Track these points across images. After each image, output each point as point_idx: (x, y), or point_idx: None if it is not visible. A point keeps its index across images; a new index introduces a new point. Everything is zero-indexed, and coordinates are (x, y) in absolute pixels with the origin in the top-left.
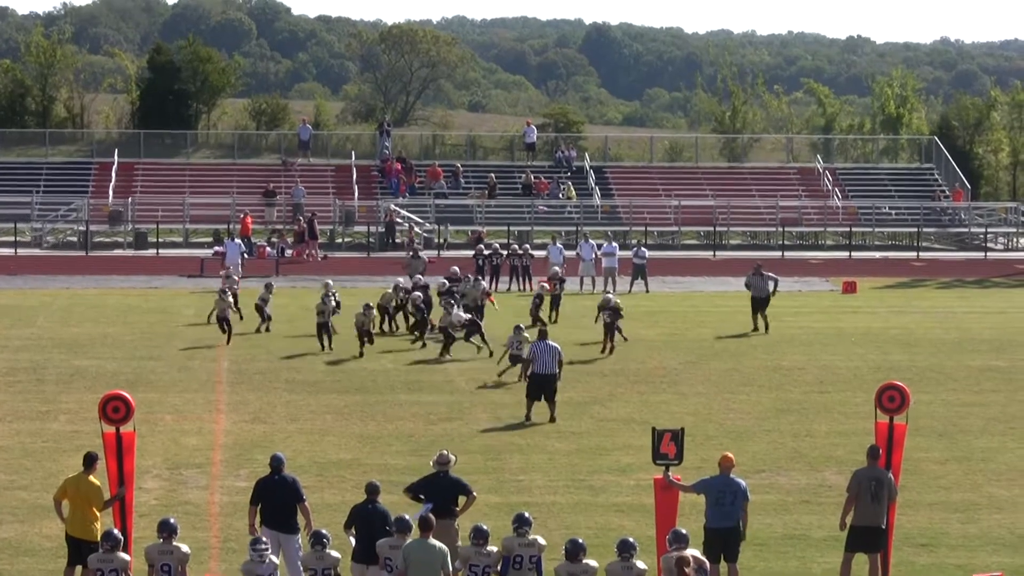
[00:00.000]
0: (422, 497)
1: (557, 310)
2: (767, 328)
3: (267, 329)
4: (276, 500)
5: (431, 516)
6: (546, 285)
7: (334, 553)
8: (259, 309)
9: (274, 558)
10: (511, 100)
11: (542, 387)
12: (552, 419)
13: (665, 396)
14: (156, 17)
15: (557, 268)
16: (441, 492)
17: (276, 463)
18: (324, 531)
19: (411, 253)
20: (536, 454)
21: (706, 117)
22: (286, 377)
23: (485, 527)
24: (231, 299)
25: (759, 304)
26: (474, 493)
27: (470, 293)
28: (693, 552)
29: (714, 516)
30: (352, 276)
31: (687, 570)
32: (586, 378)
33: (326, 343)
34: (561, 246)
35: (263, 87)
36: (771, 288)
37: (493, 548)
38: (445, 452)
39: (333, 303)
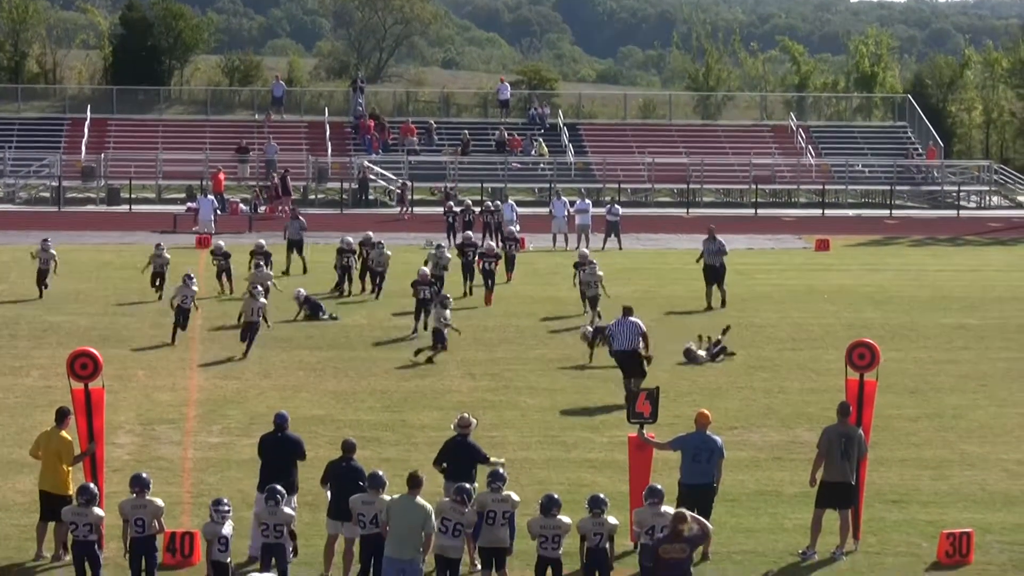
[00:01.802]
0: (445, 465)
1: (511, 271)
2: (724, 302)
3: (159, 298)
4: (276, 458)
5: (420, 474)
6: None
7: (287, 510)
8: (158, 276)
9: (231, 523)
10: (485, 57)
11: (623, 364)
12: None
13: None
14: None
15: (513, 228)
16: (460, 456)
17: (280, 421)
18: (279, 487)
19: (290, 214)
20: (509, 410)
21: (680, 75)
22: (259, 333)
23: (469, 487)
24: (195, 289)
25: (713, 275)
26: (491, 460)
27: (435, 259)
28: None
29: (689, 472)
30: (325, 232)
31: (681, 526)
32: (560, 335)
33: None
34: (513, 203)
35: (236, 44)
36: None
37: (468, 509)
38: (466, 415)
39: (262, 301)
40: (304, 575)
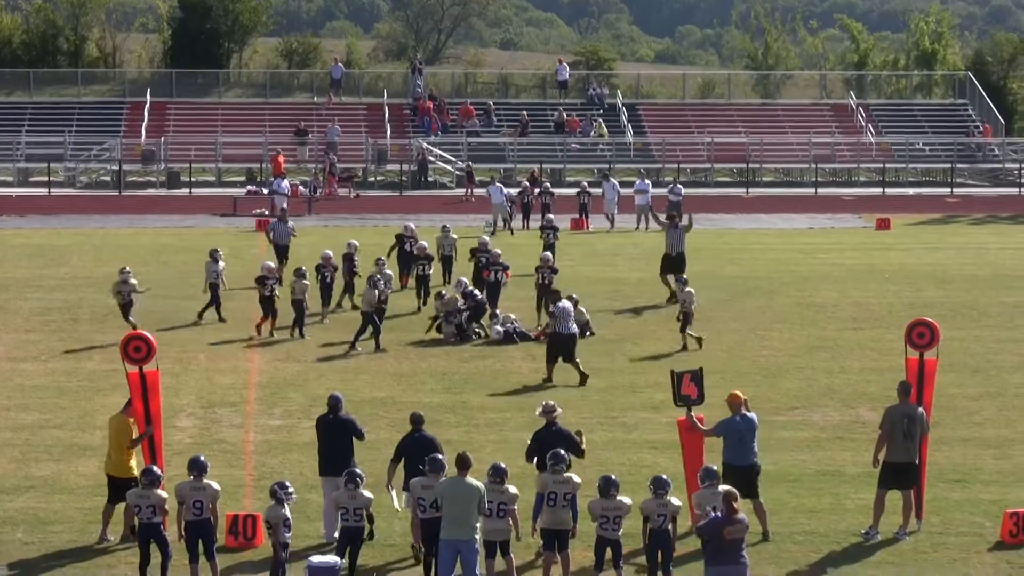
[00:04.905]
0: (536, 459)
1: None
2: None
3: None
4: (334, 439)
5: (468, 455)
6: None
7: (366, 493)
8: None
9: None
10: (543, 38)
11: (568, 347)
12: (582, 382)
13: (698, 334)
14: None
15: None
16: (553, 445)
17: (334, 402)
18: (358, 470)
19: (278, 216)
20: (569, 392)
21: (738, 54)
22: (319, 316)
23: (503, 465)
24: (307, 283)
25: (673, 265)
26: (583, 448)
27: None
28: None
29: (737, 454)
30: (384, 215)
31: (735, 504)
32: (618, 316)
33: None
34: (501, 185)
35: (294, 26)
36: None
37: (511, 488)
38: (551, 403)
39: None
40: (369, 554)
